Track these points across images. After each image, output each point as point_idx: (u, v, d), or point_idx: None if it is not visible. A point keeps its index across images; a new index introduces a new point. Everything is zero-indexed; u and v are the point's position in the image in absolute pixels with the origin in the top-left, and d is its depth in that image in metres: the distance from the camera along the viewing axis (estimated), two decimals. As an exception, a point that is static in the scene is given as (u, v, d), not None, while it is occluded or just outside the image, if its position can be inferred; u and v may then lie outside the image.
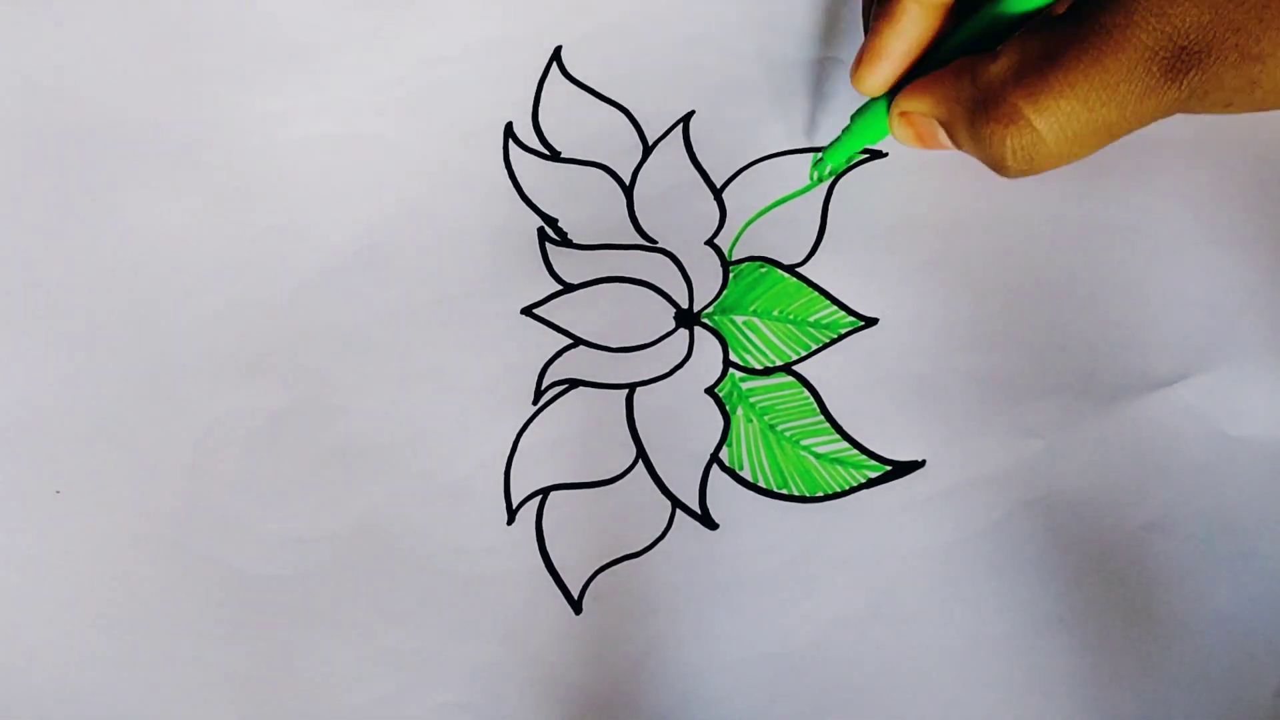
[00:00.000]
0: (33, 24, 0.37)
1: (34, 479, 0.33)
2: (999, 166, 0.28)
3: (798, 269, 0.34)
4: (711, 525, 0.32)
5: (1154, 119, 0.27)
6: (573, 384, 0.33)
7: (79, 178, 0.36)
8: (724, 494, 0.32)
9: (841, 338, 0.33)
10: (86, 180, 0.36)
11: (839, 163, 0.33)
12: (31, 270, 0.35)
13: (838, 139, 0.33)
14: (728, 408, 0.33)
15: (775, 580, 0.31)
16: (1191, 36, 0.26)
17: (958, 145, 0.29)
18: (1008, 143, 0.27)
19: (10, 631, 0.32)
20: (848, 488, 0.32)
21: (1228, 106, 0.27)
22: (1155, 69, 0.26)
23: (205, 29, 0.37)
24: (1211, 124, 0.34)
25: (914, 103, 0.30)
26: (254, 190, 0.36)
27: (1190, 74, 0.26)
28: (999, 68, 0.28)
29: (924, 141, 0.31)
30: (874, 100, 0.31)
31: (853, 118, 0.32)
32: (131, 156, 0.36)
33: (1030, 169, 0.28)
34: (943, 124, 0.29)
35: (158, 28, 0.37)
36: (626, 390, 0.33)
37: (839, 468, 0.32)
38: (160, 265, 0.35)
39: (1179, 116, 0.34)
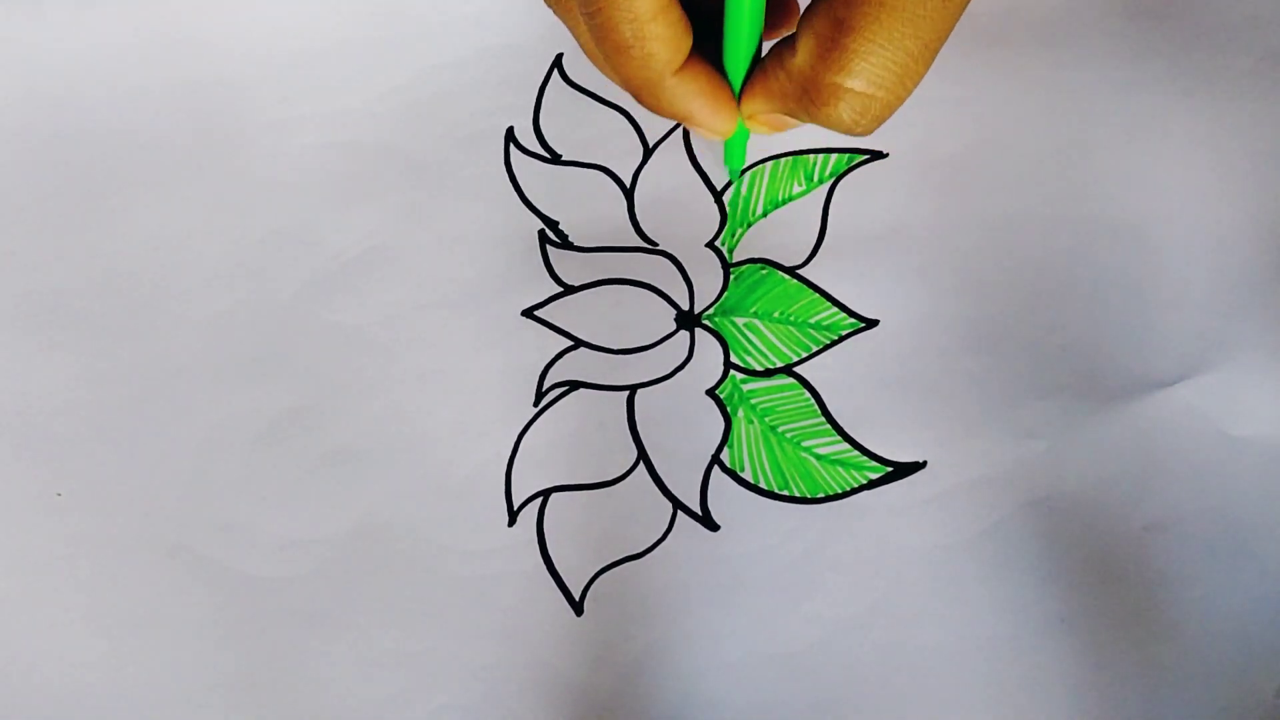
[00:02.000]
0: (37, 33, 0.37)
1: (35, 482, 0.33)
2: (846, 131, 0.29)
3: (798, 270, 0.34)
4: (713, 526, 0.32)
5: (964, 5, 0.27)
6: (574, 386, 0.33)
7: (83, 184, 0.36)
8: (725, 495, 0.32)
9: (842, 339, 0.33)
10: (90, 186, 0.36)
11: (737, 166, 0.33)
12: (35, 274, 0.35)
13: (726, 156, 0.33)
14: (729, 409, 0.33)
15: (776, 581, 0.31)
16: None
17: (812, 123, 0.30)
18: (843, 115, 0.28)
19: (11, 634, 0.32)
20: (849, 489, 0.32)
21: None
22: None
23: (210, 38, 0.37)
24: (1212, 124, 0.34)
25: (753, 105, 0.30)
26: (257, 196, 0.36)
27: None
28: (802, 58, 0.28)
29: (778, 127, 0.31)
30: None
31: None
32: (134, 163, 0.36)
33: (876, 122, 0.28)
34: (787, 114, 0.30)
35: (163, 37, 0.37)
36: (627, 392, 0.33)
37: (840, 469, 0.32)
38: (163, 269, 0.35)
39: (1183, 113, 0.34)
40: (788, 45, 0.29)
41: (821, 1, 0.27)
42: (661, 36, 0.28)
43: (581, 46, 0.30)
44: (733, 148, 0.32)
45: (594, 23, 0.28)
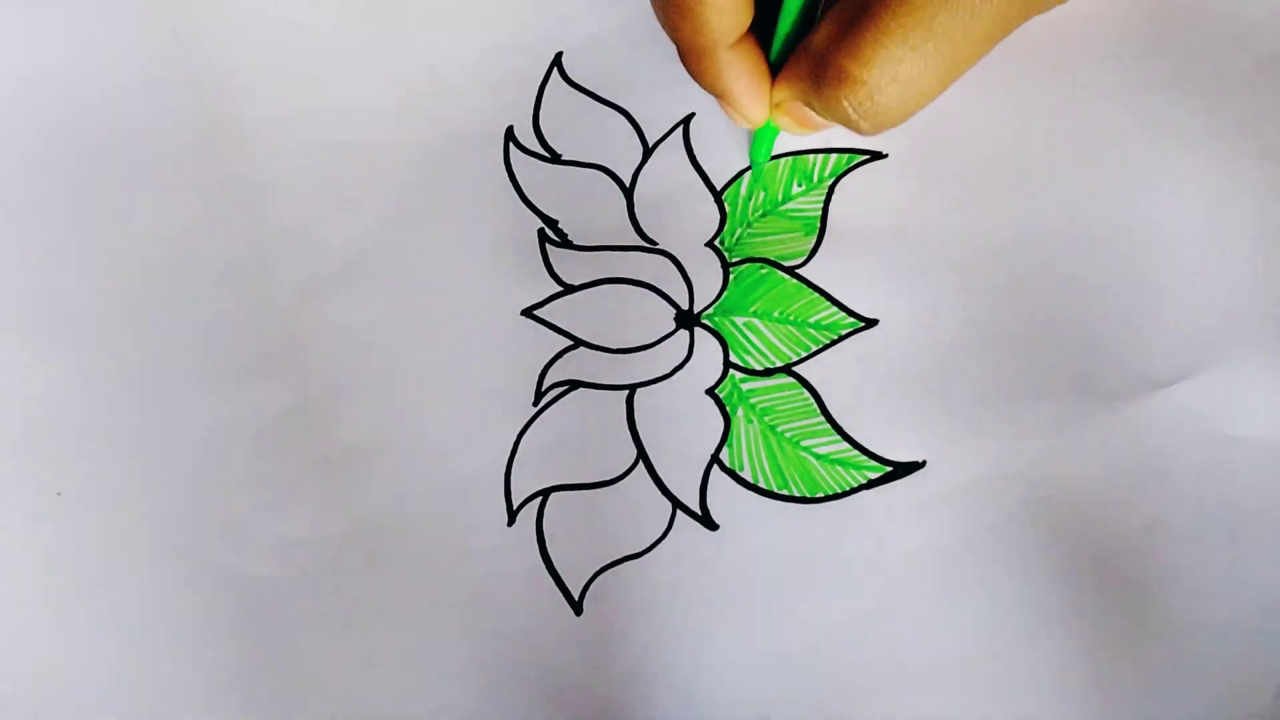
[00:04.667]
0: (35, 30, 0.37)
1: (35, 481, 0.33)
2: (850, 125, 0.29)
3: (798, 270, 0.34)
4: (712, 526, 0.32)
5: (997, 37, 0.27)
6: (573, 385, 0.33)
7: (82, 182, 0.36)
8: (724, 495, 0.32)
9: (842, 339, 0.33)
10: (90, 185, 0.36)
11: (762, 159, 0.34)
12: (33, 273, 0.35)
13: (752, 146, 0.34)
14: (728, 408, 0.33)
15: (776, 581, 0.31)
16: None
17: (822, 117, 0.31)
18: (845, 103, 0.28)
19: (10, 633, 0.32)
20: (848, 489, 0.32)
21: None
22: None
23: (209, 36, 0.37)
24: (1213, 126, 0.34)
25: (779, 93, 0.31)
26: (257, 194, 0.36)
27: None
28: (820, 36, 0.28)
29: (803, 124, 0.32)
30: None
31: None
32: (134, 161, 0.36)
33: (878, 123, 0.28)
34: (804, 103, 0.30)
35: (161, 35, 0.37)
36: (627, 391, 0.33)
37: (839, 468, 0.32)
38: (162, 268, 0.35)
39: (1184, 115, 0.34)
40: (814, 29, 0.29)
41: None
42: (723, 6, 0.29)
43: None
44: (761, 138, 0.33)
45: None
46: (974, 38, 0.27)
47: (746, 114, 0.32)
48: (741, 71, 0.30)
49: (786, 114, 0.31)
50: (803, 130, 0.32)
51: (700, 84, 0.32)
